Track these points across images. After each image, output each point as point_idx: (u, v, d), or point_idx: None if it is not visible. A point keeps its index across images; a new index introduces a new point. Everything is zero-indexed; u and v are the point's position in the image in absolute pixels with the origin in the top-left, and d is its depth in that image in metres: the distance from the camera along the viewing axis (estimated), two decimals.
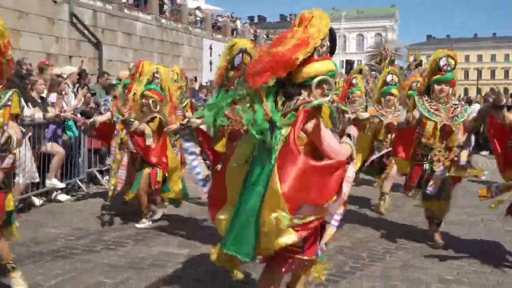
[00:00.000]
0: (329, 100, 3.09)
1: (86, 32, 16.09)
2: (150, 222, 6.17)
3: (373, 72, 13.27)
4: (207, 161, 5.10)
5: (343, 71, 20.96)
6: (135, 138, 5.92)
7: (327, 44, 3.07)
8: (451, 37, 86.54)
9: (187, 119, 4.80)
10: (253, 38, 30.14)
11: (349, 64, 22.22)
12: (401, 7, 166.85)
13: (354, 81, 7.99)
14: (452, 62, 5.26)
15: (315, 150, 3.00)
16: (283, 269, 3.08)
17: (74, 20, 15.58)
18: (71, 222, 6.34)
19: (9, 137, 3.63)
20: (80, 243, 5.46)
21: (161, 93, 5.93)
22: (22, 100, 6.55)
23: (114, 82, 10.42)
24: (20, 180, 6.60)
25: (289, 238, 2.85)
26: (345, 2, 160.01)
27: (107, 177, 8.41)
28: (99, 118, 6.54)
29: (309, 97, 2.99)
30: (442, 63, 5.25)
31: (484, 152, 13.67)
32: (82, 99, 7.81)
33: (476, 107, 15.17)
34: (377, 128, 7.02)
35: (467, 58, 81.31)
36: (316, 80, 2.98)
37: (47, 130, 7.08)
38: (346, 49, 75.15)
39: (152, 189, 5.99)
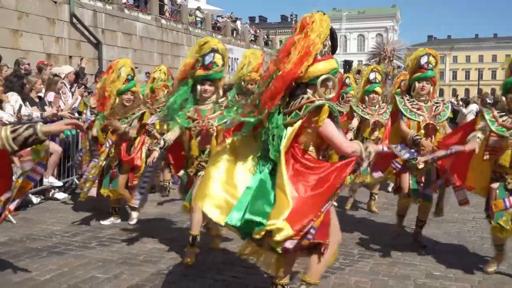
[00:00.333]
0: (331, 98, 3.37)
1: (86, 32, 16.19)
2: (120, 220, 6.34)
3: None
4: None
5: (342, 71, 21.02)
6: (121, 148, 6.04)
7: (328, 44, 3.31)
8: (452, 38, 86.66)
9: (162, 141, 4.68)
10: (253, 39, 30.25)
11: (347, 64, 22.25)
12: (402, 8, 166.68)
13: (347, 80, 8.07)
14: (433, 60, 5.28)
15: (322, 143, 3.31)
16: (295, 251, 3.26)
17: (74, 21, 15.68)
18: (67, 219, 6.44)
19: None
20: (75, 239, 5.56)
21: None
22: (20, 99, 6.69)
23: None
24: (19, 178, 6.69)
25: (283, 233, 3.02)
26: (346, 2, 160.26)
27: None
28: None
29: (314, 94, 3.26)
30: (423, 61, 5.27)
31: None
32: (79, 98, 7.90)
33: (473, 107, 15.24)
34: (363, 126, 7.10)
35: (468, 58, 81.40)
36: (320, 79, 3.23)
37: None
38: (347, 49, 75.22)
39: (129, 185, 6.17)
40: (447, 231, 6.14)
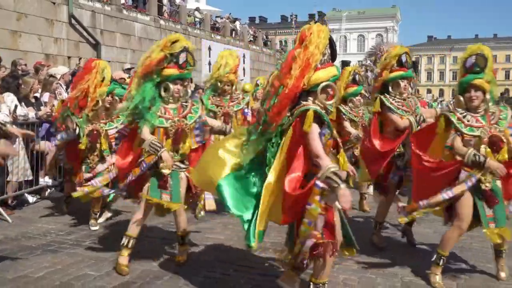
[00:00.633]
0: (332, 103, 3.56)
1: (85, 33, 16.26)
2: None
3: (368, 73, 13.44)
4: None
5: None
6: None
7: (328, 52, 3.47)
8: (452, 38, 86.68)
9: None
10: (252, 39, 30.33)
11: (345, 64, 22.26)
12: (402, 8, 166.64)
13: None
14: (409, 60, 5.32)
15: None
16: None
17: (73, 21, 15.75)
18: (62, 218, 6.52)
19: None
20: (69, 237, 5.64)
21: None
22: (16, 99, 6.77)
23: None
24: (13, 178, 6.79)
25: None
26: (346, 2, 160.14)
27: None
28: None
29: (315, 101, 3.41)
30: (404, 59, 5.30)
31: None
32: None
33: None
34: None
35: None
36: (320, 86, 3.39)
37: (40, 129, 7.25)
38: (347, 49, 75.26)
39: None
40: (437, 230, 6.18)
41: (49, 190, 7.65)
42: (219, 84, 6.46)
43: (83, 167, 5.91)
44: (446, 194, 4.24)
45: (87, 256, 4.96)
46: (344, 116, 6.93)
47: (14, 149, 4.98)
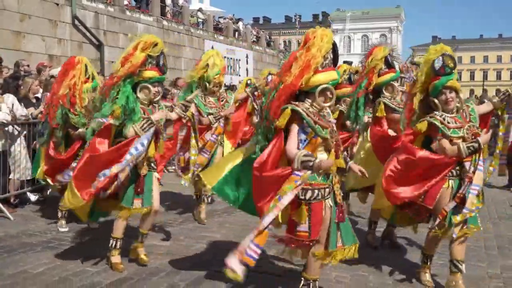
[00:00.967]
0: (329, 106, 3.68)
1: (88, 34, 16.36)
2: None
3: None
4: None
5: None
6: None
7: (330, 56, 3.61)
8: (457, 38, 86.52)
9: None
10: (255, 40, 30.41)
11: (347, 64, 22.36)
12: (407, 8, 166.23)
13: None
14: (451, 62, 5.32)
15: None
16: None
17: (76, 22, 15.86)
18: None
19: None
20: (69, 235, 5.76)
21: None
22: (16, 100, 6.89)
23: None
24: (15, 176, 6.91)
25: None
26: (350, 2, 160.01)
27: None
28: None
29: (313, 103, 3.57)
30: (390, 60, 5.41)
31: None
32: None
33: None
34: None
35: (472, 59, 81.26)
36: (318, 88, 3.54)
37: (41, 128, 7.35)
38: (351, 50, 75.23)
39: None
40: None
41: (50, 189, 7.76)
42: (207, 84, 6.35)
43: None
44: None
45: (86, 253, 5.06)
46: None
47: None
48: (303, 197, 3.59)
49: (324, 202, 3.66)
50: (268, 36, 33.13)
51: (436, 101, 4.24)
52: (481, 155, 4.17)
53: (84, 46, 16.29)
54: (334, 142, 3.71)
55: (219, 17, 28.27)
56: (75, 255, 4.99)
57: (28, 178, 7.10)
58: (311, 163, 3.42)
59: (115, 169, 4.31)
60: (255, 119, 7.65)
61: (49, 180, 6.01)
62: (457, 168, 4.21)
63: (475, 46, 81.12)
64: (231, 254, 3.39)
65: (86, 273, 4.55)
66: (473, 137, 4.16)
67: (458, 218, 4.08)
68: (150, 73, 4.53)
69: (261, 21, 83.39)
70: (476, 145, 4.08)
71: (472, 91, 71.17)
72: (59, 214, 6.04)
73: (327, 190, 3.68)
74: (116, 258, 4.70)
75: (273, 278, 4.55)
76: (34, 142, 7.18)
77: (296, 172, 3.43)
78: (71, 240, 5.54)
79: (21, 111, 6.78)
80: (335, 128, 3.77)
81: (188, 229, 6.22)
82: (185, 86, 6.62)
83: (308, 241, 3.63)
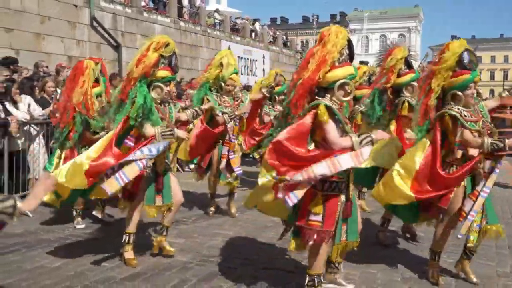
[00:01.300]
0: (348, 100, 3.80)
1: (106, 35, 16.60)
2: None
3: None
4: None
5: None
6: None
7: (346, 52, 3.73)
8: (477, 38, 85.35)
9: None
10: (272, 40, 30.47)
11: (364, 65, 22.31)
12: (426, 7, 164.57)
13: None
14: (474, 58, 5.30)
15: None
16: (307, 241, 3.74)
17: (95, 24, 16.11)
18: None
19: None
20: (86, 232, 5.91)
21: None
22: (33, 100, 7.08)
23: None
24: (34, 175, 7.09)
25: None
26: (368, 2, 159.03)
27: None
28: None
29: (332, 98, 3.67)
30: (410, 61, 5.49)
31: None
32: None
33: None
34: None
35: (493, 58, 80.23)
36: (337, 83, 3.65)
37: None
38: (369, 50, 74.85)
39: None
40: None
41: None
42: (222, 84, 6.43)
43: None
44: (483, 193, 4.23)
45: (100, 249, 5.20)
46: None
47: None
48: (319, 188, 3.69)
49: (339, 196, 3.75)
50: (285, 37, 33.16)
51: (461, 94, 4.21)
52: (503, 157, 4.21)
53: (102, 47, 16.53)
54: None
55: (236, 18, 28.38)
56: (90, 251, 5.12)
57: None
58: (369, 139, 3.61)
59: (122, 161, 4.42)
60: (268, 118, 7.73)
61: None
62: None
63: (495, 46, 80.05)
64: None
65: (100, 268, 4.68)
66: (488, 131, 4.22)
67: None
68: (162, 72, 4.65)
69: (278, 22, 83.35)
70: (501, 144, 4.07)
71: (492, 91, 70.31)
72: (74, 213, 6.19)
73: (343, 184, 3.76)
74: (129, 253, 4.83)
75: (284, 274, 4.63)
76: (52, 142, 7.35)
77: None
78: (86, 237, 5.69)
79: (38, 111, 6.96)
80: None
81: (202, 226, 6.33)
82: (199, 86, 6.68)
83: (321, 231, 3.70)
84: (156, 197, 4.81)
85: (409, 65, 5.56)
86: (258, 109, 7.31)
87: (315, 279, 3.84)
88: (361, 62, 24.30)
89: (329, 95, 3.69)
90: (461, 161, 4.32)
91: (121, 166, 4.42)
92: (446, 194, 4.32)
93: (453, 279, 4.62)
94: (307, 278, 3.88)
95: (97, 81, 5.83)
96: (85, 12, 15.77)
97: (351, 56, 3.78)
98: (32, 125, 7.00)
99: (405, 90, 5.56)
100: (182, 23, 21.16)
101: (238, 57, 21.93)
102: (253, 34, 28.21)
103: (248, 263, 4.90)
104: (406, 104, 5.55)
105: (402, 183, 4.33)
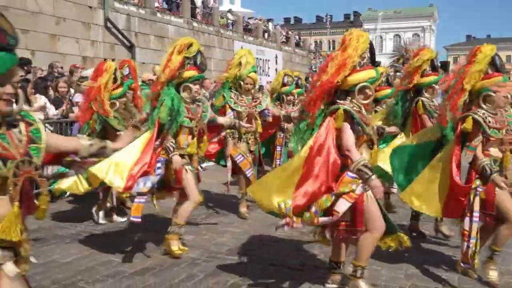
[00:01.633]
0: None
1: (120, 36, 16.83)
2: None
3: (397, 73, 13.55)
4: None
5: None
6: None
7: (367, 56, 3.80)
8: (492, 37, 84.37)
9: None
10: (284, 40, 30.55)
11: (376, 65, 22.29)
12: (440, 7, 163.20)
13: None
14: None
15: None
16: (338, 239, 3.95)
17: (109, 25, 16.35)
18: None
19: None
20: (98, 228, 6.07)
21: None
22: (47, 100, 7.26)
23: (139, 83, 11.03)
24: (48, 172, 7.25)
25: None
26: (383, 2, 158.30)
27: None
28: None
29: (352, 101, 3.76)
30: (435, 63, 5.61)
31: None
32: None
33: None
34: None
35: (509, 58, 79.21)
36: (358, 86, 3.73)
37: (73, 127, 7.71)
38: (383, 49, 74.50)
39: None
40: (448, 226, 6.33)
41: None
42: (241, 83, 6.51)
43: None
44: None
45: (112, 244, 5.35)
46: None
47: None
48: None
49: (365, 194, 3.83)
50: (297, 37, 33.22)
51: (494, 95, 4.22)
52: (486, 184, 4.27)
53: (116, 48, 16.75)
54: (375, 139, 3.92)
55: (249, 18, 28.50)
56: (102, 247, 5.27)
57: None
58: (366, 176, 3.62)
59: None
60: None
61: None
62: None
63: (511, 45, 79.19)
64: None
65: (111, 263, 4.82)
66: (511, 141, 4.28)
67: None
68: (189, 73, 4.84)
69: (292, 22, 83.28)
70: (488, 172, 4.15)
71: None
72: (94, 208, 6.36)
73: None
74: (175, 244, 5.01)
75: (291, 271, 4.70)
76: None
77: (350, 174, 3.70)
78: (99, 233, 5.85)
79: (53, 110, 7.13)
80: (374, 126, 4.00)
81: (211, 224, 6.45)
82: (219, 86, 6.83)
83: (353, 230, 3.85)
84: None
85: (434, 67, 5.65)
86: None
87: (358, 270, 4.01)
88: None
89: (349, 98, 3.79)
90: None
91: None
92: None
93: (456, 275, 4.68)
94: (352, 268, 4.07)
95: (117, 82, 5.93)
96: (100, 13, 16.00)
97: (372, 59, 3.86)
98: (47, 124, 7.17)
99: (425, 91, 5.66)
100: (195, 24, 21.35)
101: None
102: (266, 34, 28.31)
103: (255, 260, 5.01)
104: (420, 103, 5.63)
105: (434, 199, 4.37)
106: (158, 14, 19.04)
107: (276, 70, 27.24)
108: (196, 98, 5.01)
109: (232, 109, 6.53)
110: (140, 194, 4.74)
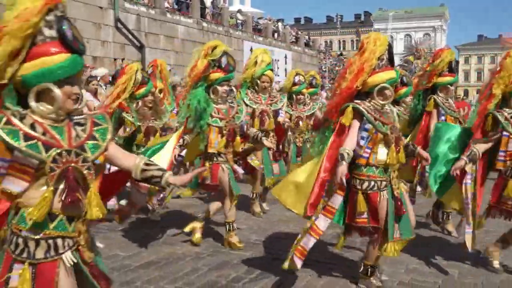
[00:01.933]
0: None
1: (130, 36, 17.03)
2: None
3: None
4: None
5: None
6: None
7: (386, 57, 3.85)
8: (504, 37, 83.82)
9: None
10: (294, 40, 30.60)
11: None
12: (452, 7, 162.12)
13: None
14: None
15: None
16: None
17: (119, 25, 16.54)
18: None
19: None
20: (105, 224, 6.15)
21: None
22: None
23: None
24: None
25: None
26: (394, 2, 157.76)
27: None
28: None
29: (371, 101, 3.85)
30: (453, 65, 5.71)
31: None
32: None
33: None
34: None
35: None
36: (377, 88, 3.81)
37: None
38: (394, 49, 74.28)
39: None
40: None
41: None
42: (258, 81, 6.57)
43: None
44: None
45: (118, 240, 5.49)
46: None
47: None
48: (359, 187, 3.89)
49: (379, 193, 3.89)
50: (307, 37, 33.25)
51: None
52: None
53: (126, 48, 16.92)
54: (395, 138, 3.91)
55: (258, 18, 28.58)
56: (109, 242, 5.39)
57: None
58: (341, 159, 3.72)
59: None
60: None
61: None
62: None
63: None
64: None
65: (117, 257, 4.94)
66: None
67: None
68: (215, 75, 4.98)
69: (302, 22, 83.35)
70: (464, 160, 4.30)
71: None
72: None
73: (383, 182, 3.92)
74: (234, 238, 5.31)
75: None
76: None
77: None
78: (106, 229, 5.94)
79: None
80: (397, 125, 4.01)
81: (217, 220, 6.52)
82: (240, 86, 6.88)
83: (370, 227, 3.92)
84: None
85: (451, 69, 5.71)
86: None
87: (369, 269, 4.12)
88: None
89: (369, 99, 3.86)
90: None
91: None
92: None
93: (456, 270, 4.74)
94: (362, 267, 4.17)
95: (142, 83, 5.89)
96: (110, 13, 16.18)
97: (391, 60, 3.90)
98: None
99: (440, 91, 5.74)
100: (204, 24, 21.48)
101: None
102: (275, 34, 28.37)
103: (259, 255, 5.11)
104: (432, 101, 5.71)
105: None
106: (168, 15, 19.20)
107: (285, 70, 27.33)
108: (225, 98, 5.15)
109: (246, 105, 6.55)
110: None
